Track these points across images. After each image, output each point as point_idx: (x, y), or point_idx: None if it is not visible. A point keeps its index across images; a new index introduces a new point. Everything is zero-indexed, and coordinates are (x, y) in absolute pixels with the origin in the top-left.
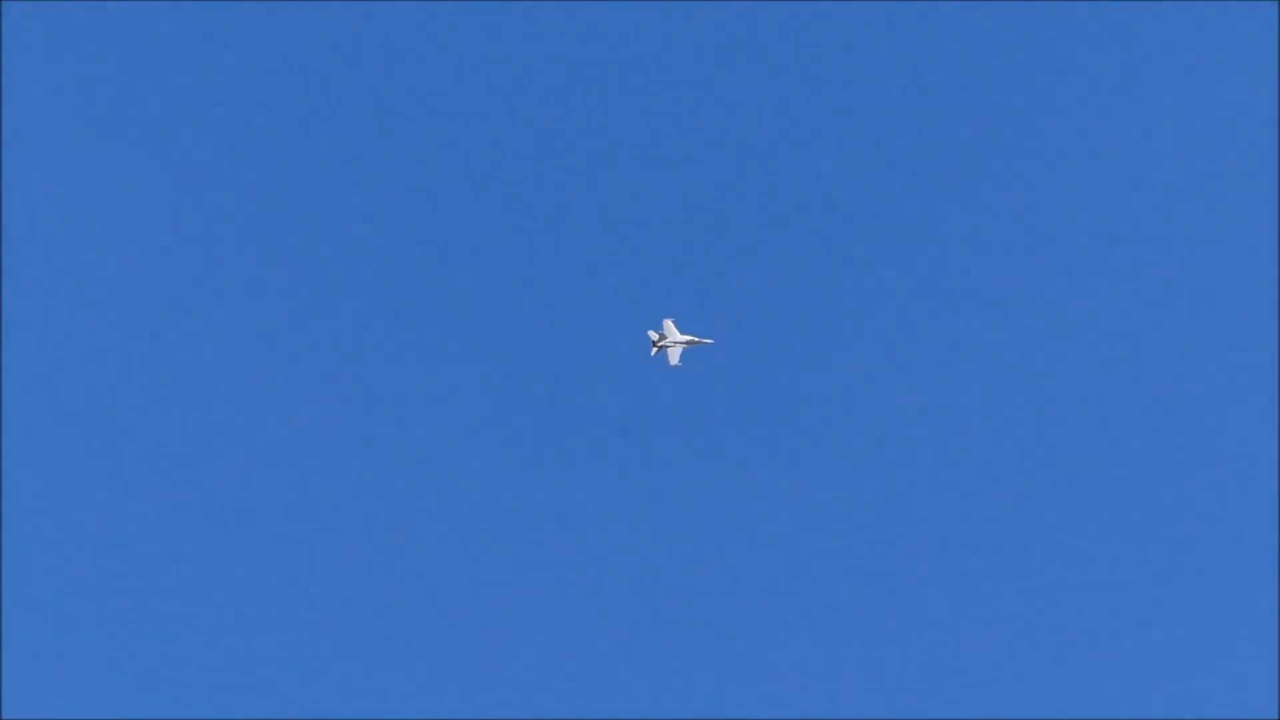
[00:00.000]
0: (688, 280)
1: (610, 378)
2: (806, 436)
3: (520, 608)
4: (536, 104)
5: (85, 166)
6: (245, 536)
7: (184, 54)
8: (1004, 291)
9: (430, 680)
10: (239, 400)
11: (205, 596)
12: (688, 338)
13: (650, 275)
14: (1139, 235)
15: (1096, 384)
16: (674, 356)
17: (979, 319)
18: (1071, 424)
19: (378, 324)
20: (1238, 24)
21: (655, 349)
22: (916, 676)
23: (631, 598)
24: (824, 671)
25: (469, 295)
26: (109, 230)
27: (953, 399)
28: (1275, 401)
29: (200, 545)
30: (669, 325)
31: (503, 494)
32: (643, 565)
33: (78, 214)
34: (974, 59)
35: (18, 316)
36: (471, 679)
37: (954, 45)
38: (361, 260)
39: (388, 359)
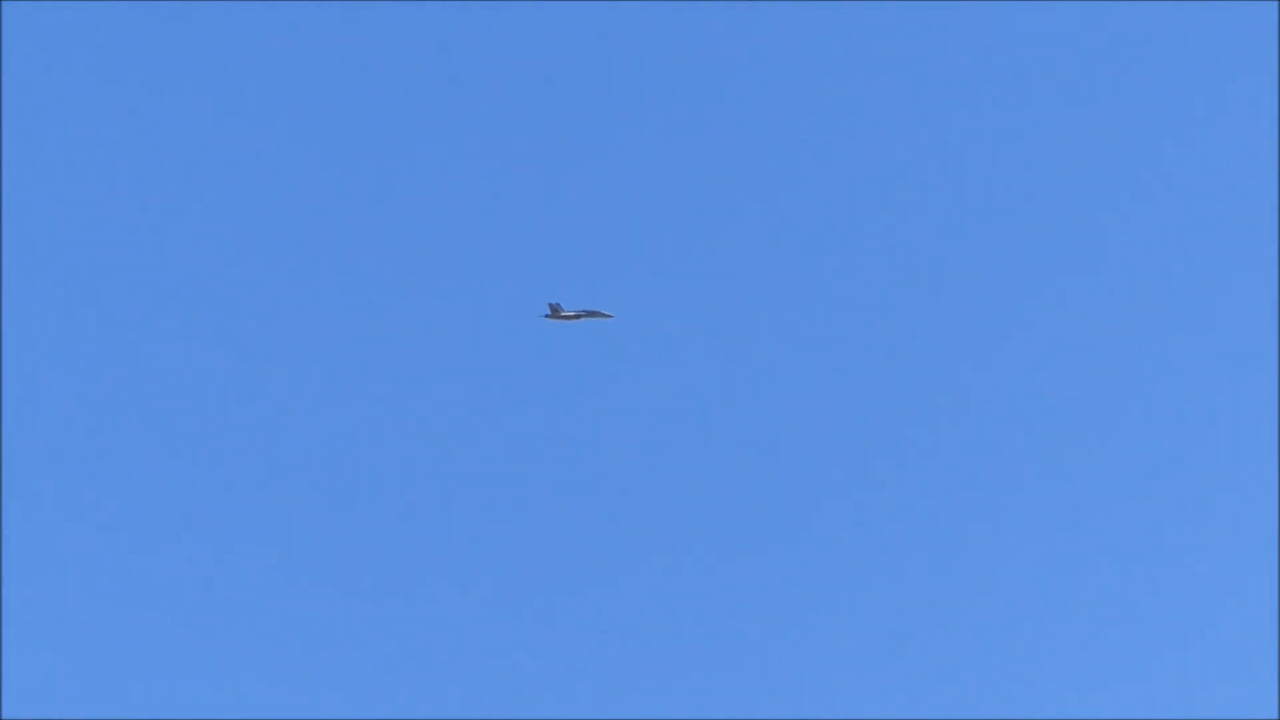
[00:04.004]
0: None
1: (603, 378)
2: (803, 434)
3: (517, 608)
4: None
5: (85, 166)
6: (246, 536)
7: (184, 54)
8: (1000, 292)
9: (429, 680)
10: (239, 400)
11: (206, 596)
12: (585, 311)
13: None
14: (1138, 235)
15: (1095, 384)
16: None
17: (974, 318)
18: (1071, 424)
19: (378, 325)
20: (1238, 24)
21: (555, 317)
22: (917, 677)
23: (626, 597)
24: (824, 671)
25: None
26: (109, 230)
27: (948, 397)
28: (1275, 401)
29: (201, 545)
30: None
31: (499, 494)
32: (637, 565)
33: (78, 214)
34: (971, 59)
35: (18, 316)
36: (471, 679)
37: (950, 45)
38: (362, 260)
39: (389, 360)
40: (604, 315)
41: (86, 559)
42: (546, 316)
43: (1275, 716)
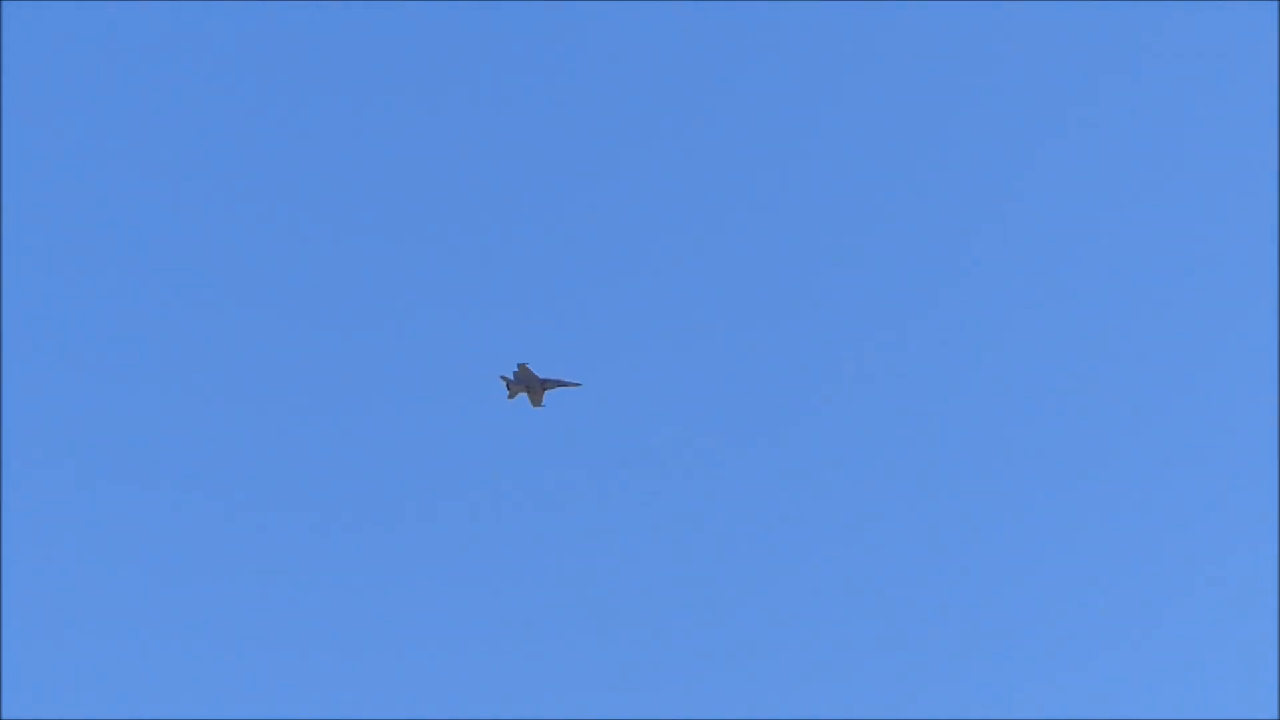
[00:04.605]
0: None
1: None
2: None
3: (516, 608)
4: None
5: (85, 166)
6: (246, 536)
7: (184, 54)
8: (997, 292)
9: (429, 680)
10: (240, 400)
11: (206, 596)
12: (551, 380)
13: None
14: (1138, 236)
15: (1094, 382)
16: (536, 400)
17: (972, 318)
18: (1069, 422)
19: (379, 326)
20: (1238, 24)
21: (513, 394)
22: (916, 677)
23: (625, 598)
24: (823, 671)
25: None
26: (109, 230)
27: (946, 396)
28: (1276, 401)
29: (201, 545)
30: (526, 369)
31: (495, 493)
32: (635, 565)
33: (78, 214)
34: (971, 59)
35: (18, 316)
36: (471, 679)
37: (950, 45)
38: (362, 261)
39: (389, 362)
40: (571, 384)
41: (87, 558)
42: (510, 385)
43: (1275, 717)
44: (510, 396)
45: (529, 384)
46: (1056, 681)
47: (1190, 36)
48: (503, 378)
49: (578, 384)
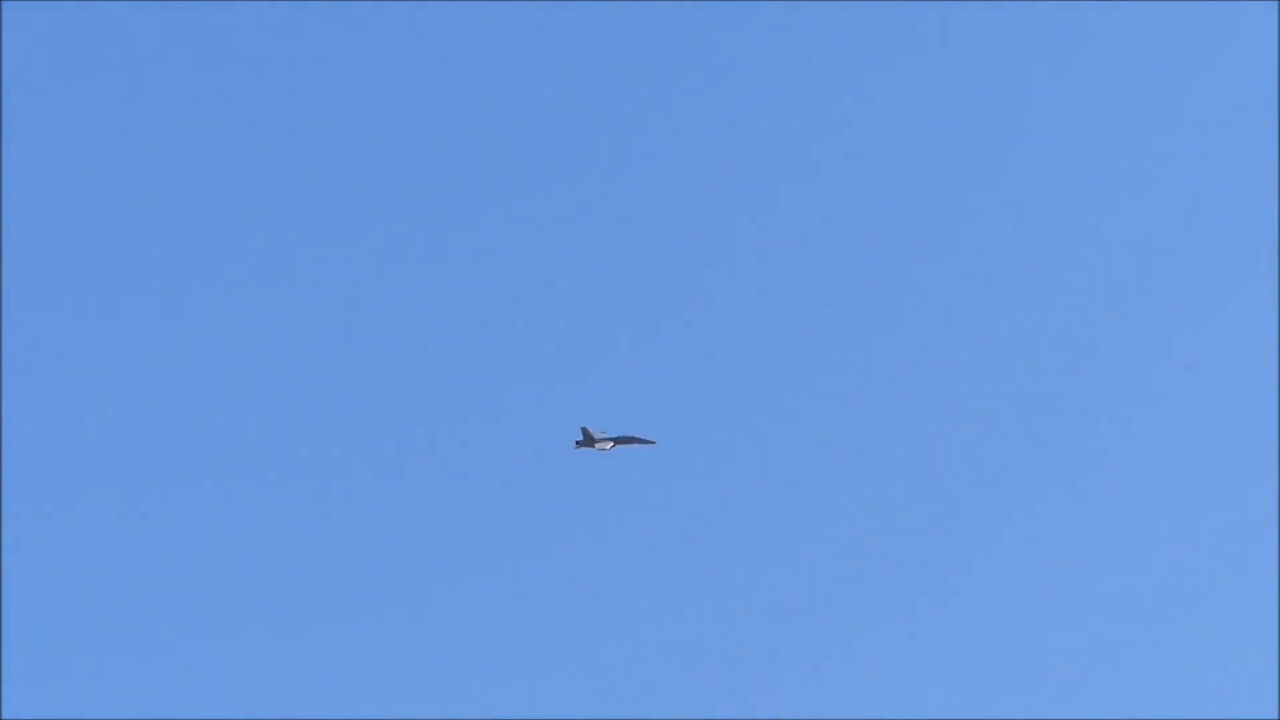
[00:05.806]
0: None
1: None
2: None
3: (517, 609)
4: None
5: (85, 166)
6: (245, 536)
7: (184, 54)
8: (999, 293)
9: (429, 680)
10: (239, 400)
11: (205, 596)
12: (623, 437)
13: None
14: (1138, 236)
15: (1094, 383)
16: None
17: (973, 320)
18: (1070, 422)
19: (379, 327)
20: (1238, 24)
21: (582, 445)
22: (916, 677)
23: (627, 599)
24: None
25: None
26: (109, 230)
27: (947, 396)
28: (1275, 401)
29: (200, 545)
30: (596, 434)
31: (499, 493)
32: (638, 567)
33: (78, 214)
34: (971, 59)
35: (18, 317)
36: (471, 679)
37: (950, 45)
38: (361, 262)
39: (387, 363)
40: (644, 441)
41: (87, 559)
42: (578, 444)
43: (1275, 717)
44: (577, 447)
45: (597, 442)
46: (1057, 681)
47: (1190, 36)
48: (576, 441)
49: (652, 442)
